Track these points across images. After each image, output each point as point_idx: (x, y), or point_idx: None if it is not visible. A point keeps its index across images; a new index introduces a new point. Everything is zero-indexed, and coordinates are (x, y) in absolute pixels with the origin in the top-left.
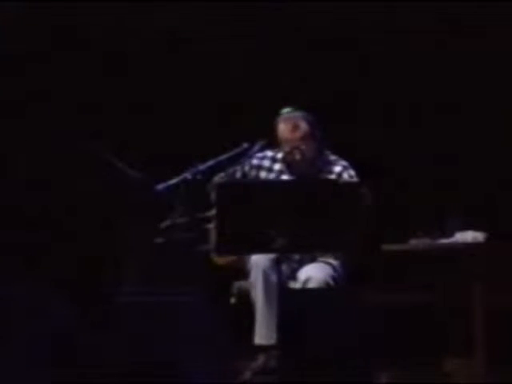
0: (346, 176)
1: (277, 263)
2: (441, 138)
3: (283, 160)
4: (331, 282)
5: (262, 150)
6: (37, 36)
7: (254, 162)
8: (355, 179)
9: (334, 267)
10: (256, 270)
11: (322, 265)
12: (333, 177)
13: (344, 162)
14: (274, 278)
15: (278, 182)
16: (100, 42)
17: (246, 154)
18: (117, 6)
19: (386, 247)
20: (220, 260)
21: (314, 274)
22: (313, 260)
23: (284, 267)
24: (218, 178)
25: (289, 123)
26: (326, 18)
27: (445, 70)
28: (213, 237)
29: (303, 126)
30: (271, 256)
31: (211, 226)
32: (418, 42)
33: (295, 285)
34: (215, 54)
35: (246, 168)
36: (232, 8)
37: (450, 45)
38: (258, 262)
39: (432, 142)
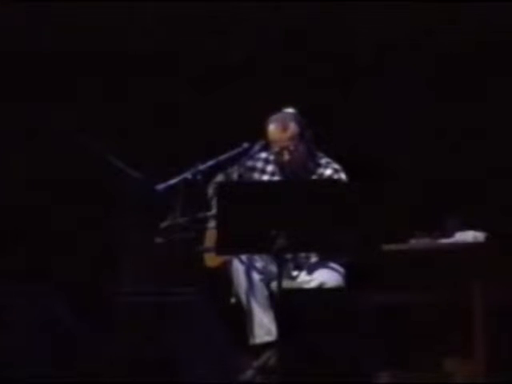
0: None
1: (278, 264)
2: (441, 138)
3: (275, 161)
4: (343, 286)
5: (261, 150)
6: None
7: (249, 163)
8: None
9: (337, 270)
10: (236, 272)
11: (330, 269)
12: None
13: (336, 165)
14: (256, 276)
15: (278, 183)
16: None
17: (246, 154)
18: None
19: (386, 247)
20: (210, 262)
21: (327, 279)
22: (307, 258)
23: (273, 266)
24: (219, 178)
25: (278, 124)
26: (326, 28)
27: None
28: (207, 237)
29: (292, 126)
30: (251, 256)
31: (210, 225)
32: None
33: (292, 284)
34: (215, 55)
35: (241, 170)
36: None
37: None
38: (238, 265)
39: (432, 141)
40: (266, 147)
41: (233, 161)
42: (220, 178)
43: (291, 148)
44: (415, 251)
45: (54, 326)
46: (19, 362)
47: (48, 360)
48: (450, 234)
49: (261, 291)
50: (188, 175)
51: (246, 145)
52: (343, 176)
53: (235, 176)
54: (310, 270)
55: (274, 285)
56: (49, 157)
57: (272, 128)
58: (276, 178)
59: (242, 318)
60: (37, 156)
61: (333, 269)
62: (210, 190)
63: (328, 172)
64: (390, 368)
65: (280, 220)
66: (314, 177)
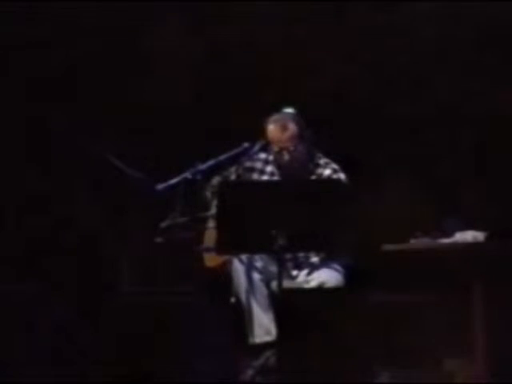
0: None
1: (278, 264)
2: (441, 138)
3: (275, 162)
4: (343, 286)
5: (261, 150)
6: None
7: (247, 164)
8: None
9: (337, 270)
10: (236, 272)
11: (330, 269)
12: None
13: (334, 165)
14: (256, 276)
15: (278, 182)
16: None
17: (246, 154)
18: None
19: (386, 247)
20: (210, 263)
21: (327, 279)
22: (307, 258)
23: (273, 266)
24: (215, 180)
25: (277, 124)
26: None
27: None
28: (207, 237)
29: (292, 126)
30: (252, 256)
31: (209, 225)
32: None
33: (292, 284)
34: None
35: (240, 170)
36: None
37: None
38: (238, 265)
39: (432, 141)
40: (266, 148)
41: (233, 161)
42: (217, 180)
43: (291, 148)
44: (415, 251)
45: (54, 326)
46: (19, 362)
47: (48, 360)
48: (449, 234)
49: (261, 291)
50: (188, 175)
51: (246, 145)
52: (342, 176)
53: (233, 177)
54: (310, 269)
55: (273, 284)
56: (48, 156)
57: (271, 128)
58: (275, 178)
59: (241, 318)
60: (36, 155)
61: (333, 269)
62: (208, 193)
63: (327, 172)
64: (390, 368)
65: (280, 220)
66: (313, 177)
